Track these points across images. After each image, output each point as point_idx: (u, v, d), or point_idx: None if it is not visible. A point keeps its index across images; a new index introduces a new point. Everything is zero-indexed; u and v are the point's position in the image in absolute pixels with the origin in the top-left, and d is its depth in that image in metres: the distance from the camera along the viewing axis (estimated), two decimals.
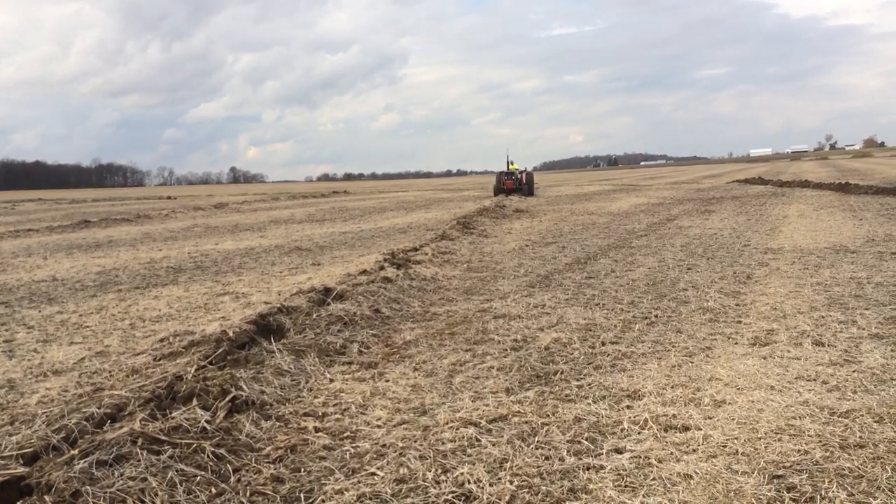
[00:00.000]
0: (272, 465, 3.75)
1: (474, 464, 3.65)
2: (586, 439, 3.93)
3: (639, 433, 3.99)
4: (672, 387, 4.73)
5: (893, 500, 3.14)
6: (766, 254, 10.83)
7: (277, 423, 4.34)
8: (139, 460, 3.53)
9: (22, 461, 3.65)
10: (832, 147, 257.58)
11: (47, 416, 4.40)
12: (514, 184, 33.88)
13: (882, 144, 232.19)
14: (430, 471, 3.59)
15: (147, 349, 6.16)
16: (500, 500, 3.28)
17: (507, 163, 35.69)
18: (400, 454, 3.82)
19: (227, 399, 4.47)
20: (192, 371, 4.94)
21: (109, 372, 5.55)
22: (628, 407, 4.41)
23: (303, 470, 3.70)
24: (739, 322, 6.49)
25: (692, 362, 5.29)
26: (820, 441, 3.78)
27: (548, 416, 4.30)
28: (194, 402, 4.36)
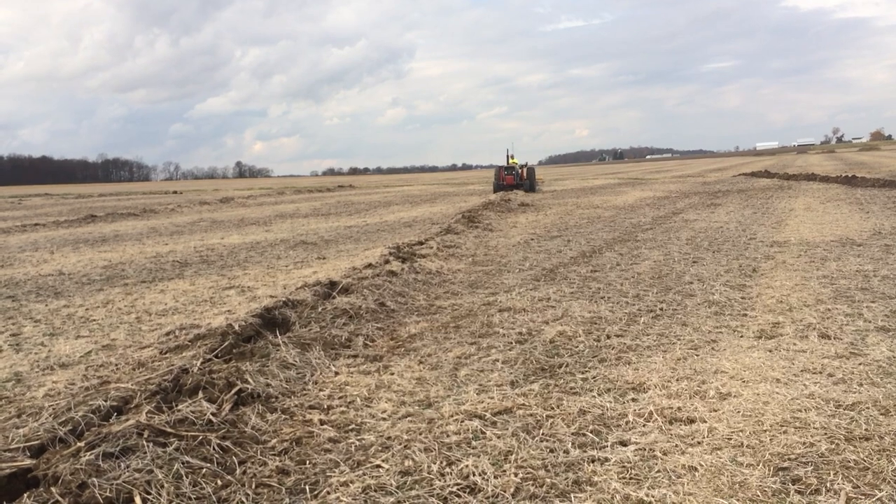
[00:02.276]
0: (278, 458, 3.76)
1: (479, 456, 3.66)
2: (591, 432, 3.93)
3: (644, 426, 3.99)
4: (677, 379, 4.73)
5: None
6: (773, 247, 10.79)
7: (283, 416, 4.35)
8: (145, 452, 3.55)
9: (29, 453, 3.67)
10: (839, 140, 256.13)
11: (54, 408, 4.42)
12: (514, 179, 31.40)
13: (889, 137, 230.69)
14: (434, 463, 3.60)
15: (153, 342, 6.18)
16: (504, 492, 3.29)
17: (507, 157, 33.40)
18: (405, 447, 3.83)
19: (233, 392, 4.48)
20: (198, 364, 4.96)
21: (116, 365, 5.57)
22: (633, 400, 4.41)
23: (308, 462, 3.71)
24: (745, 315, 6.47)
25: (697, 355, 5.28)
26: (825, 433, 3.77)
27: (552, 408, 4.30)
28: (200, 394, 4.38)
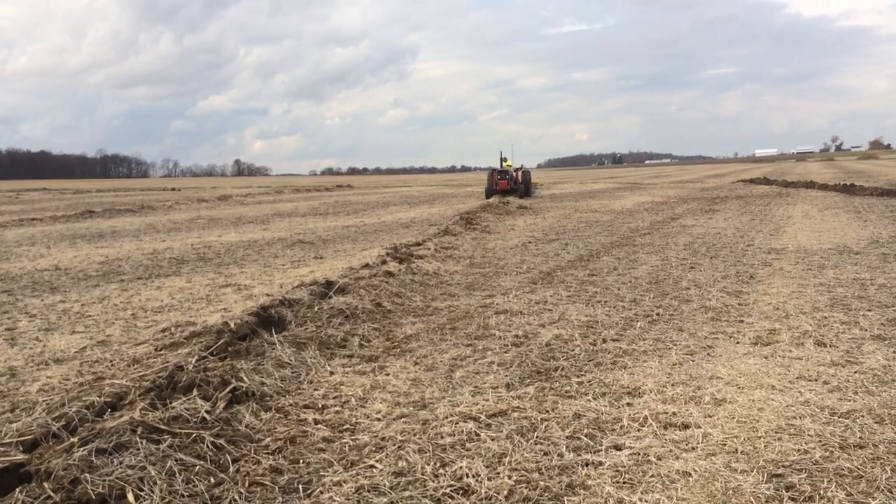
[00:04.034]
0: (271, 456, 3.75)
1: (473, 458, 3.65)
2: (586, 435, 3.93)
3: (638, 430, 3.99)
4: (672, 385, 4.72)
5: (893, 501, 3.13)
6: (770, 254, 10.80)
7: (277, 415, 4.35)
8: (138, 449, 3.54)
9: (22, 448, 3.65)
10: (838, 148, 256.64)
11: (48, 403, 4.40)
12: (508, 184, 28.85)
13: (888, 146, 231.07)
14: (428, 464, 3.59)
15: (148, 339, 6.17)
16: (498, 494, 3.28)
17: (501, 159, 31.13)
18: (399, 447, 3.82)
19: (228, 390, 4.47)
20: (193, 361, 4.95)
21: (111, 361, 5.55)
22: (628, 404, 4.40)
23: (302, 461, 3.70)
24: (741, 321, 6.48)
25: (693, 361, 5.28)
26: (820, 441, 3.77)
27: (547, 411, 4.30)
28: (195, 392, 4.37)
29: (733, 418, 4.11)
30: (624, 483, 3.37)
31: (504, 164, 31.00)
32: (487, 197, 28.08)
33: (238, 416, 4.21)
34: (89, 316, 7.48)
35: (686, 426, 4.02)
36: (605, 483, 3.36)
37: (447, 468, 3.55)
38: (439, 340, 6.08)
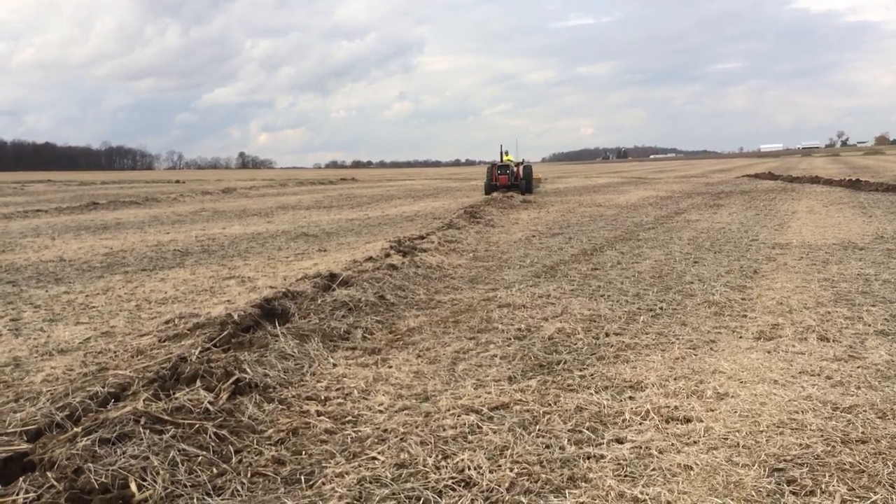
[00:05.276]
0: (274, 448, 3.77)
1: (475, 450, 3.66)
2: (587, 429, 3.93)
3: (640, 424, 3.99)
4: (675, 379, 4.72)
5: (894, 496, 3.13)
6: (774, 249, 10.78)
7: (280, 406, 4.36)
8: (142, 439, 3.55)
9: (26, 438, 3.68)
10: (844, 144, 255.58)
11: (52, 394, 4.42)
12: (508, 179, 27.01)
13: (894, 142, 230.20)
14: (430, 456, 3.60)
15: (152, 330, 6.19)
16: (499, 486, 3.29)
17: (501, 154, 29.22)
18: (401, 439, 3.83)
19: (231, 381, 4.49)
20: (197, 353, 4.96)
21: (114, 352, 5.57)
22: (630, 398, 4.40)
23: (304, 453, 3.71)
24: (745, 316, 6.47)
25: (696, 355, 5.27)
26: (822, 435, 3.76)
27: (549, 405, 4.30)
28: (198, 383, 4.39)
29: (735, 412, 4.11)
30: (625, 476, 3.37)
31: (505, 157, 29.27)
32: (487, 193, 26.64)
33: (241, 407, 4.22)
34: (93, 307, 7.51)
35: (688, 420, 4.02)
36: (606, 476, 3.36)
37: (449, 460, 3.56)
38: (442, 333, 6.08)
